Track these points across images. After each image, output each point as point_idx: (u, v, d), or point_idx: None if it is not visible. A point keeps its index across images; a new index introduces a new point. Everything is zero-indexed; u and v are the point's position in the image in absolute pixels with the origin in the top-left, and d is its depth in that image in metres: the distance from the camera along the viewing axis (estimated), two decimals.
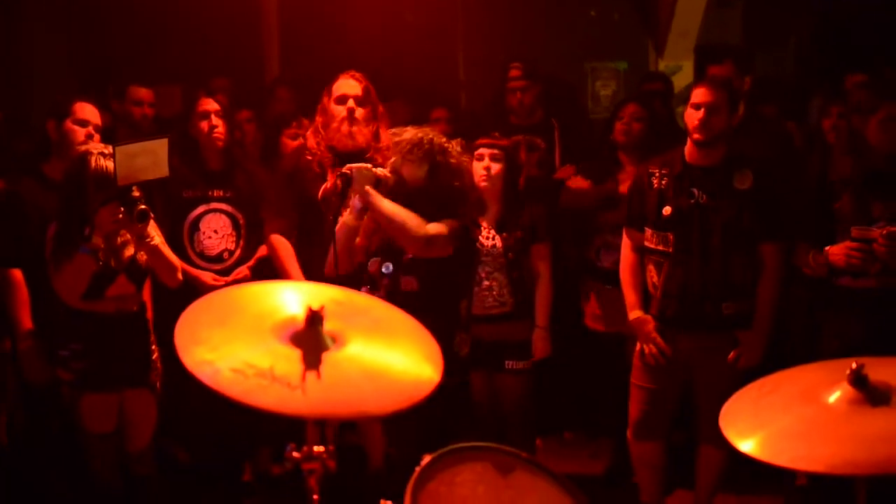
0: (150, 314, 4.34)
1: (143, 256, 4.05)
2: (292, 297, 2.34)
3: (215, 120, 4.79)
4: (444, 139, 3.73)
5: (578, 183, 5.01)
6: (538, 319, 4.68)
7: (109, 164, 3.81)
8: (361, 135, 4.38)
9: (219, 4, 7.28)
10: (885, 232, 3.90)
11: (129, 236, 3.98)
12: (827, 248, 4.07)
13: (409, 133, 3.70)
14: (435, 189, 3.59)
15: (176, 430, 4.86)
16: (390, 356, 2.21)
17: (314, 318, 2.18)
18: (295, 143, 5.41)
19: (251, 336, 2.18)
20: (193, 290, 4.74)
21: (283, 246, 4.48)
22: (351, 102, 4.39)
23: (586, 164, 5.22)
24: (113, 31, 7.15)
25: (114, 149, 3.75)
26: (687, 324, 4.22)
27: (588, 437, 5.65)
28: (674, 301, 4.22)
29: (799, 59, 9.46)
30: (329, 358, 2.13)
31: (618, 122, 5.01)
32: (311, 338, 2.17)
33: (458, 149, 3.75)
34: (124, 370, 4.12)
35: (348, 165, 3.54)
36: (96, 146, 4.04)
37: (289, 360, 2.10)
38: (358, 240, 3.72)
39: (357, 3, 7.41)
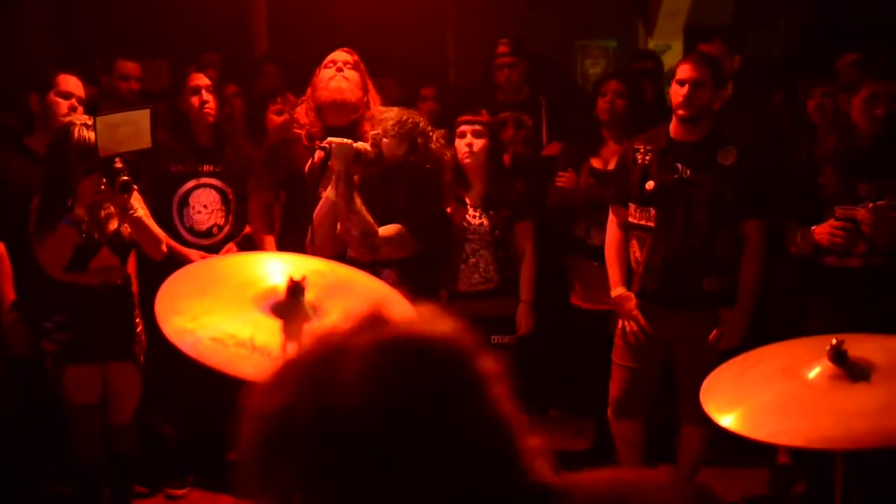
0: (135, 288, 4.33)
1: (126, 229, 4.04)
2: (274, 268, 2.34)
3: (206, 95, 4.77)
4: (427, 124, 3.71)
5: (567, 181, 4.97)
6: (522, 295, 4.68)
7: (92, 136, 3.78)
8: (351, 92, 4.24)
9: None
10: (870, 206, 3.91)
11: (112, 208, 3.97)
12: (813, 227, 4.07)
13: (395, 111, 3.69)
14: (410, 169, 3.58)
15: (161, 405, 4.84)
16: None
17: (295, 289, 2.18)
18: (280, 119, 5.39)
19: (232, 306, 2.18)
20: (180, 265, 4.74)
21: (268, 243, 4.47)
22: (340, 64, 4.32)
23: (568, 142, 5.19)
24: (101, 4, 7.08)
25: (94, 119, 3.73)
26: (669, 300, 4.23)
27: (573, 414, 5.66)
28: (656, 276, 4.22)
29: (789, 41, 9.48)
30: (310, 329, 2.13)
31: (601, 98, 4.98)
32: (292, 308, 2.17)
33: (441, 140, 3.72)
34: (108, 342, 4.12)
35: (328, 139, 3.51)
36: (79, 117, 4.01)
37: (269, 330, 2.11)
38: (339, 227, 3.69)
39: None
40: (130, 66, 5.61)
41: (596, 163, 4.97)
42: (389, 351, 1.06)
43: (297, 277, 2.17)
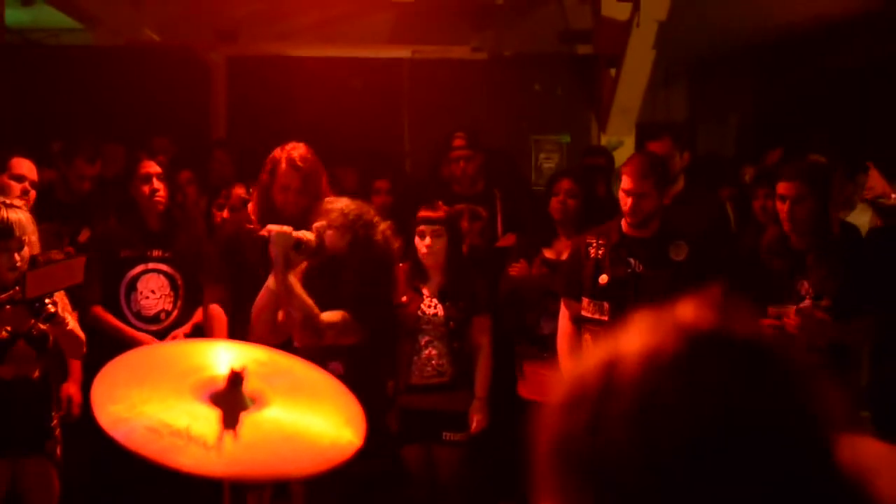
0: (75, 377, 4.25)
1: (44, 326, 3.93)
2: (215, 356, 2.31)
3: (156, 183, 4.77)
4: (373, 215, 3.69)
5: (519, 270, 5.01)
6: (477, 391, 4.66)
7: (11, 214, 3.72)
8: (297, 206, 4.30)
9: (167, 65, 7.31)
10: (797, 307, 3.99)
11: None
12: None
13: (341, 203, 3.69)
14: (353, 260, 3.56)
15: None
16: (310, 418, 2.19)
17: (235, 379, 2.15)
18: (222, 214, 5.42)
19: (170, 395, 2.14)
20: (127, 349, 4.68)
21: (218, 318, 4.45)
22: (291, 196, 4.29)
23: (523, 237, 5.25)
24: (56, 84, 7.11)
25: (25, 274, 3.62)
26: None
27: None
28: None
29: (739, 136, 9.72)
30: (247, 418, 2.10)
31: (554, 197, 5.05)
32: (230, 398, 2.14)
33: (388, 231, 3.69)
34: (17, 437, 3.95)
35: (268, 227, 3.52)
36: (7, 198, 3.95)
37: (207, 420, 2.07)
38: (280, 315, 3.66)
39: (305, 68, 7.48)
40: (86, 168, 5.56)
41: (549, 253, 5.01)
42: (703, 354, 1.01)
43: (237, 368, 2.14)
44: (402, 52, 7.70)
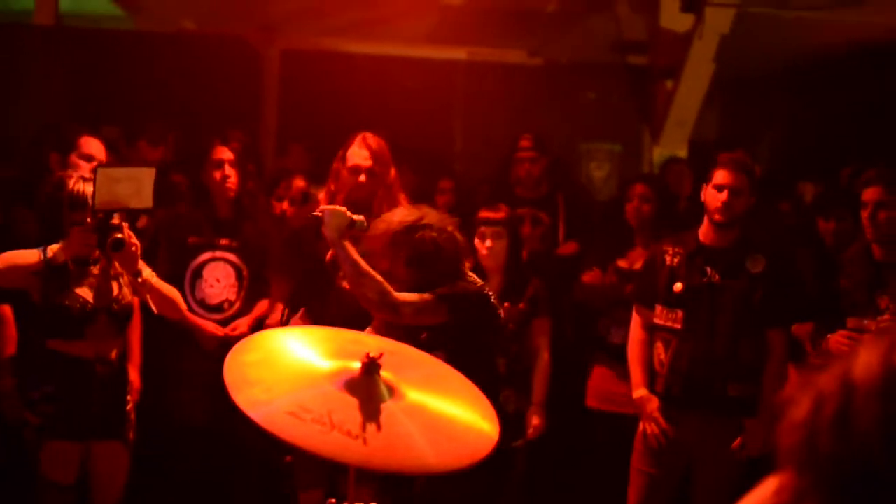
0: (135, 361, 4.20)
1: (127, 296, 3.88)
2: (343, 344, 2.25)
3: (228, 169, 4.71)
4: (431, 220, 3.56)
5: (593, 277, 4.95)
6: (535, 396, 4.59)
7: (88, 189, 3.68)
8: (367, 191, 4.25)
9: (220, 55, 7.26)
10: (879, 322, 3.94)
11: (117, 273, 3.82)
12: (828, 335, 4.08)
13: (384, 223, 3.53)
14: (419, 278, 3.45)
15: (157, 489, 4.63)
16: (451, 411, 2.11)
17: (371, 367, 2.08)
18: (281, 205, 5.37)
19: (304, 381, 2.08)
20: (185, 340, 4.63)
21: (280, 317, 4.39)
22: (362, 176, 4.28)
23: (589, 241, 5.19)
24: (112, 73, 7.07)
25: (96, 169, 3.60)
26: (692, 403, 4.17)
27: None
28: (680, 378, 4.17)
29: (772, 157, 9.67)
30: (388, 408, 2.03)
31: (627, 202, 5.00)
32: (367, 387, 2.07)
33: (451, 228, 3.56)
34: (94, 420, 3.88)
35: (321, 207, 3.44)
36: (78, 172, 3.92)
37: (347, 407, 2.00)
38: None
39: (359, 65, 7.42)
40: (149, 152, 5.52)
41: (622, 262, 4.96)
42: None
43: (373, 354, 2.07)
44: (458, 54, 7.65)
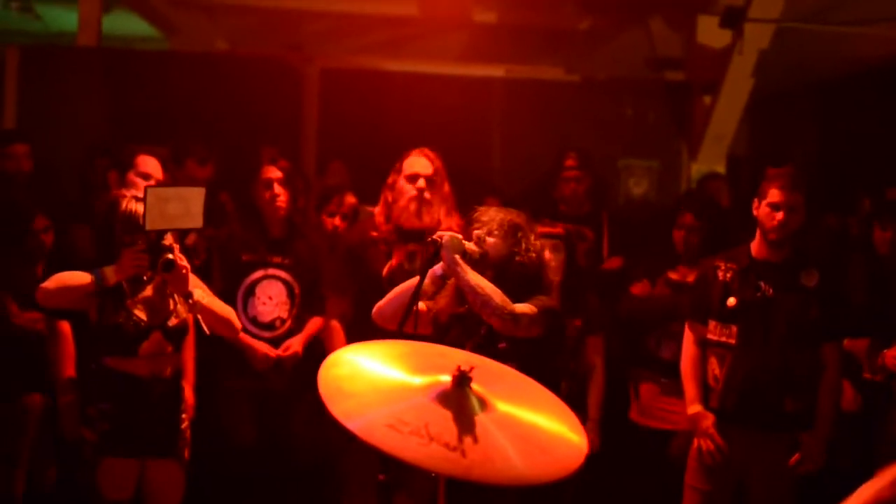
0: (189, 379, 4.22)
1: (182, 313, 3.92)
2: (427, 358, 2.27)
3: (278, 188, 4.75)
4: (527, 224, 3.65)
5: (642, 289, 4.94)
6: (590, 412, 4.59)
7: (140, 208, 3.73)
8: (429, 215, 4.34)
9: (260, 74, 7.33)
10: None
11: (173, 291, 3.87)
12: (885, 350, 4.06)
13: (494, 211, 3.63)
14: (514, 270, 3.51)
15: None
16: (542, 423, 2.13)
17: (463, 379, 2.10)
18: (333, 221, 5.40)
19: (396, 393, 2.10)
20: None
21: (338, 333, 4.44)
22: (421, 182, 4.35)
23: (644, 260, 5.18)
24: (155, 93, 7.14)
25: (146, 190, 3.65)
26: (746, 418, 4.16)
27: None
28: (735, 394, 4.17)
29: (809, 170, 9.63)
30: (482, 420, 2.04)
31: (676, 229, 4.99)
32: (459, 399, 2.09)
33: (538, 237, 3.65)
34: (149, 437, 3.92)
35: (439, 232, 3.47)
36: (132, 192, 3.97)
37: (442, 419, 2.01)
38: (423, 306, 3.59)
39: (398, 83, 7.47)
40: (197, 170, 5.57)
41: (673, 275, 4.94)
42: None
43: (464, 367, 2.09)
44: (495, 71, 7.69)
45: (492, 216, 3.58)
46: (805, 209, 4.19)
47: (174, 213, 3.69)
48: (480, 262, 3.46)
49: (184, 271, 3.75)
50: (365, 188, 5.79)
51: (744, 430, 4.17)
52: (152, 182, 4.43)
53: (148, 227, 3.62)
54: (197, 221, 3.78)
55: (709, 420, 4.22)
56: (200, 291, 3.89)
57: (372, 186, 5.17)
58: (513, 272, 3.47)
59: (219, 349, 4.44)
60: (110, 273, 3.72)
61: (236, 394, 4.74)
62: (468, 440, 1.97)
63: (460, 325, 3.52)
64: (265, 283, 4.74)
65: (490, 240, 3.51)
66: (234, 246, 4.73)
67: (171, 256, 3.69)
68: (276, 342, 4.72)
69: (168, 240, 3.72)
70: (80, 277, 3.73)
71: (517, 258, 3.49)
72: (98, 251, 3.91)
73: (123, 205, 3.81)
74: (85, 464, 3.92)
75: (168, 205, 3.67)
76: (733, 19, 6.53)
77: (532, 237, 3.59)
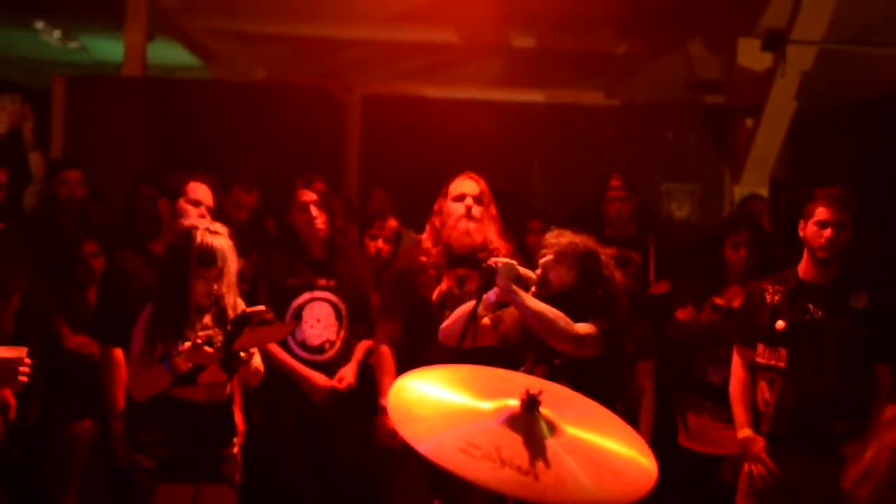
0: (239, 404, 4.24)
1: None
2: (491, 382, 2.27)
3: (314, 210, 4.76)
4: (600, 248, 3.64)
5: (688, 314, 4.93)
6: (641, 435, 4.55)
7: (215, 241, 3.77)
8: (479, 232, 4.34)
9: (302, 101, 7.39)
10: None
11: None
12: None
13: (568, 236, 3.61)
14: (579, 295, 3.49)
15: None
16: (612, 447, 2.12)
17: (532, 403, 2.10)
18: (375, 244, 5.42)
19: (465, 416, 2.10)
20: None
21: (388, 359, 4.42)
22: (469, 200, 4.37)
23: (688, 282, 5.16)
24: (196, 120, 7.22)
25: (235, 328, 3.74)
26: (798, 442, 4.13)
27: None
28: (786, 418, 4.14)
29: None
30: (552, 444, 2.04)
31: (730, 249, 4.98)
32: (528, 423, 2.09)
33: (612, 262, 3.64)
34: (203, 462, 3.92)
35: (493, 259, 3.47)
36: (203, 222, 3.99)
37: (512, 443, 2.02)
38: (486, 320, 3.58)
39: (439, 109, 7.51)
40: (244, 197, 5.62)
41: (719, 300, 4.93)
42: None
43: (533, 391, 2.09)
44: (535, 97, 7.72)
45: (562, 241, 3.55)
46: (853, 228, 4.17)
47: (260, 337, 3.90)
48: (538, 288, 3.45)
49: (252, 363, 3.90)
50: (407, 214, 5.84)
51: (795, 454, 4.13)
52: (203, 209, 4.43)
53: (235, 349, 3.74)
54: (278, 338, 4.46)
55: (759, 444, 4.19)
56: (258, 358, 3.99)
57: (414, 212, 5.22)
58: (575, 297, 3.46)
59: (268, 374, 4.46)
60: (181, 362, 3.73)
61: (284, 419, 4.74)
62: (540, 464, 1.97)
63: (532, 349, 3.52)
64: (312, 305, 4.74)
65: (557, 267, 3.49)
66: (278, 270, 4.73)
67: (243, 363, 3.81)
68: (325, 366, 4.71)
69: (244, 354, 3.81)
70: (159, 378, 3.76)
71: (584, 284, 3.48)
72: (164, 280, 3.93)
73: (199, 238, 3.80)
74: (138, 490, 3.92)
75: (258, 333, 3.79)
76: (776, 42, 6.52)
77: (605, 262, 3.56)
